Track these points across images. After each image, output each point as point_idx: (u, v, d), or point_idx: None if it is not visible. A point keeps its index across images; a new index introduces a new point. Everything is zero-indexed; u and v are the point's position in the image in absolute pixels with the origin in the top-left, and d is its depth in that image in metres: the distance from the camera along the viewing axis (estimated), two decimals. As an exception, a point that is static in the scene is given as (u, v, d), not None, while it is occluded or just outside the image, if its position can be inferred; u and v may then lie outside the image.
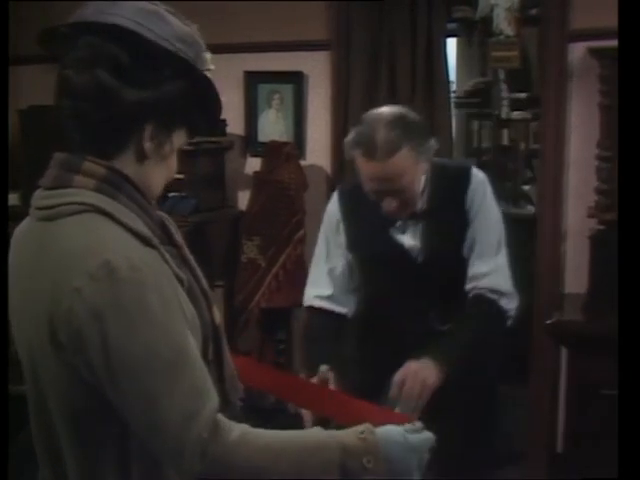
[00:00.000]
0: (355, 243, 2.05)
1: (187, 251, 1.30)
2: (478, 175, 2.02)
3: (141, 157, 1.20)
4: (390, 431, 1.21)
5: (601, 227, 2.83)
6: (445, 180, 2.00)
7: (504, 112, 4.71)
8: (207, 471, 1.09)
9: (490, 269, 1.96)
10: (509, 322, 1.98)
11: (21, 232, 1.24)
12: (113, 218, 1.14)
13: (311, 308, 2.08)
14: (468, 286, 1.97)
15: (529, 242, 3.27)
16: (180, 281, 1.19)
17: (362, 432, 1.18)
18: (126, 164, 1.20)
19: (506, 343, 2.10)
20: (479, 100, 5.14)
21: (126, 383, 1.08)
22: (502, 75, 4.74)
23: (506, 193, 4.56)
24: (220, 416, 1.11)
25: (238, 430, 1.12)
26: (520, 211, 4.47)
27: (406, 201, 1.91)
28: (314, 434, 1.21)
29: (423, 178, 1.95)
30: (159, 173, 1.24)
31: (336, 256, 2.06)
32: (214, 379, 1.20)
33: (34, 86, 3.35)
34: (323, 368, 1.84)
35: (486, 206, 1.99)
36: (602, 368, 2.47)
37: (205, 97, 1.25)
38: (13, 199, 3.47)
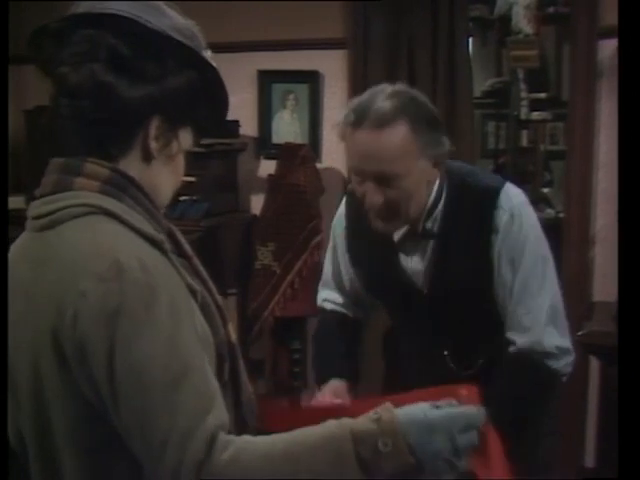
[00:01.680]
0: (357, 259, 1.81)
1: (198, 263, 1.19)
2: (511, 196, 1.63)
3: (147, 157, 1.10)
4: (412, 408, 1.02)
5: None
6: (467, 198, 1.65)
7: (523, 113, 4.59)
8: None
9: (532, 321, 1.61)
10: (562, 379, 1.66)
11: (17, 248, 1.12)
12: (121, 220, 1.04)
13: (323, 309, 1.93)
14: (508, 335, 1.64)
15: (552, 246, 3.15)
16: (193, 293, 1.08)
17: (376, 413, 1.01)
18: (131, 166, 1.10)
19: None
20: (496, 100, 5.03)
21: (127, 395, 0.98)
22: (521, 75, 4.62)
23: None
24: (221, 434, 0.98)
25: (234, 446, 0.97)
26: (540, 214, 4.36)
27: (396, 202, 1.57)
28: (321, 428, 1.02)
29: (434, 189, 1.64)
30: (166, 175, 1.14)
31: (343, 267, 1.86)
32: (230, 403, 1.11)
33: (41, 86, 3.26)
34: (334, 382, 1.69)
35: (523, 235, 1.60)
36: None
37: (212, 91, 1.15)
38: (19, 202, 3.37)
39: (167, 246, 1.07)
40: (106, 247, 1.00)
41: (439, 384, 1.29)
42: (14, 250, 1.12)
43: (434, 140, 1.58)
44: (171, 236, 1.16)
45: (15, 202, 3.32)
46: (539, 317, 1.60)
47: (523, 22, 4.38)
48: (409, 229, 1.69)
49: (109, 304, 0.97)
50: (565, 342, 1.63)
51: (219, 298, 1.18)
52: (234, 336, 1.17)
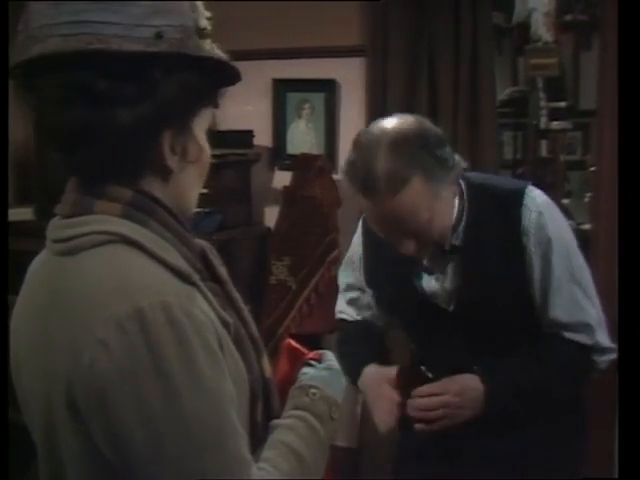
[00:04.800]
0: (373, 281, 1.77)
1: (232, 289, 1.08)
2: (535, 196, 1.61)
3: (166, 175, 1.00)
4: (315, 372, 1.16)
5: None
6: (490, 204, 1.61)
7: (543, 122, 4.50)
8: None
9: (570, 317, 1.61)
10: (595, 373, 1.69)
11: (35, 268, 1.03)
12: (144, 249, 0.94)
13: (340, 320, 1.89)
14: (551, 316, 1.63)
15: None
16: (226, 326, 0.98)
17: (313, 393, 1.11)
18: (151, 187, 0.99)
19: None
20: (513, 110, 4.94)
21: (168, 459, 0.88)
22: (540, 83, 4.53)
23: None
24: None
25: None
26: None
27: (429, 239, 1.56)
28: (290, 423, 1.07)
29: (456, 204, 1.60)
30: (192, 179, 1.04)
31: (358, 289, 1.83)
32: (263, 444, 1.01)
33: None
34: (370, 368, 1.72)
35: (553, 231, 1.59)
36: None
37: (215, 70, 1.01)
38: (27, 214, 3.31)
39: (196, 277, 0.97)
40: (126, 287, 0.90)
41: None
42: (34, 269, 1.04)
43: (446, 171, 1.50)
44: (204, 258, 1.06)
45: (23, 214, 3.27)
46: (580, 313, 1.62)
47: (542, 29, 4.31)
48: (431, 249, 1.63)
49: (133, 359, 0.87)
50: (607, 342, 1.65)
51: (254, 329, 1.08)
52: (269, 371, 1.08)
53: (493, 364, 1.60)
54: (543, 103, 4.55)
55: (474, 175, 1.68)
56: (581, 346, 1.63)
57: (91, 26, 0.90)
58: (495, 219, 1.60)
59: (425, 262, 1.65)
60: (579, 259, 1.65)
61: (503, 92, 4.95)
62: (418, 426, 1.58)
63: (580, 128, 4.90)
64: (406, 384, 1.64)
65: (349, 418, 3.06)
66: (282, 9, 3.26)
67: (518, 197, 1.59)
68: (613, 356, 1.64)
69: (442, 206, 1.54)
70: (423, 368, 1.74)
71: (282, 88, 3.37)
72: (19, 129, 3.25)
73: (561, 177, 4.71)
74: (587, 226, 3.69)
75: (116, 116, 0.92)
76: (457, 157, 1.55)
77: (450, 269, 1.64)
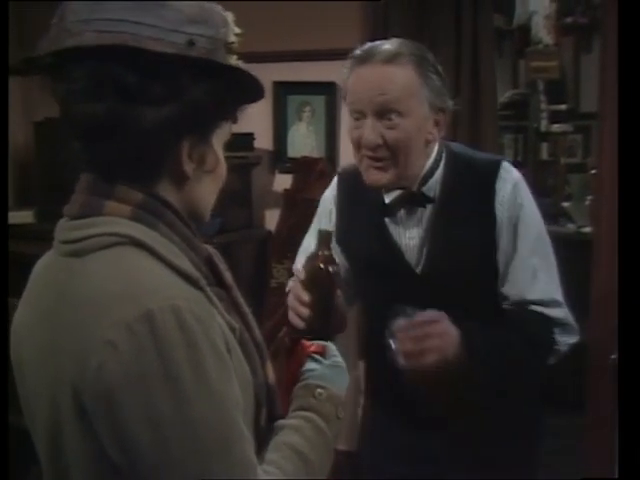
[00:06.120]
0: (344, 236, 1.73)
1: (238, 294, 1.10)
2: (511, 170, 1.65)
3: (182, 180, 1.00)
4: (320, 369, 1.17)
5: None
6: (467, 169, 1.65)
7: (543, 125, 4.50)
8: None
9: (528, 288, 1.61)
10: (557, 355, 1.66)
11: (40, 270, 1.03)
12: (153, 252, 0.94)
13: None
14: (504, 291, 1.64)
15: (573, 263, 3.04)
16: (232, 330, 0.99)
17: (319, 393, 1.12)
18: (166, 192, 1.00)
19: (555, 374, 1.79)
20: (513, 112, 4.94)
21: (175, 462, 0.88)
22: (540, 86, 4.53)
23: (545, 210, 4.35)
24: None
25: None
26: (560, 229, 4.26)
27: (393, 145, 1.54)
28: (297, 426, 1.08)
29: (434, 153, 1.63)
30: (207, 188, 1.05)
31: None
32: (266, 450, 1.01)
33: (50, 97, 3.18)
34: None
35: (525, 206, 1.62)
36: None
37: (240, 84, 1.03)
38: (27, 217, 3.30)
39: (203, 282, 0.97)
40: (135, 289, 0.90)
41: None
42: (39, 271, 1.04)
43: (439, 89, 1.58)
44: (210, 263, 1.06)
45: (24, 217, 3.26)
46: (544, 288, 1.61)
47: (543, 32, 4.31)
48: (402, 194, 1.64)
49: (143, 362, 0.87)
50: (570, 320, 1.65)
51: (258, 334, 1.09)
52: (272, 377, 1.08)
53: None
54: (544, 106, 4.56)
55: (454, 144, 1.75)
56: (541, 317, 1.62)
57: (127, 25, 0.92)
58: (470, 185, 1.64)
59: (399, 214, 1.66)
60: (546, 237, 1.67)
61: (504, 95, 4.96)
62: (402, 362, 1.47)
63: (581, 131, 4.90)
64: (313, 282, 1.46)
65: (349, 421, 3.05)
66: (282, 12, 3.25)
67: (494, 168, 1.64)
68: (576, 338, 1.66)
69: (421, 128, 1.57)
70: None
71: (283, 91, 3.35)
72: (19, 131, 3.26)
73: (562, 180, 4.70)
74: (588, 229, 3.70)
75: (141, 114, 0.94)
76: (448, 98, 1.61)
77: (422, 224, 1.65)
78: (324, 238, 1.43)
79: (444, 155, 1.67)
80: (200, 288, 0.96)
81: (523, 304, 1.63)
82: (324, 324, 1.40)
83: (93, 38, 0.92)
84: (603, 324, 2.88)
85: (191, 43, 0.95)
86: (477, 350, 1.50)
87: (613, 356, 2.55)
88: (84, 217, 0.98)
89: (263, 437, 1.04)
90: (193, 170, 1.01)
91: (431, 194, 1.64)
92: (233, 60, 1.01)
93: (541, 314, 1.63)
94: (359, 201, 1.70)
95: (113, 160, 0.97)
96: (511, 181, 1.63)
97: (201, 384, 0.89)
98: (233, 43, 1.02)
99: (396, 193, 1.66)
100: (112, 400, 0.88)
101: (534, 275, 1.63)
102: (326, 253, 1.40)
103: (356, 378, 3.26)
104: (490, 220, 1.62)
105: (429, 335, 1.46)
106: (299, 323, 1.49)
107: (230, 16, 1.04)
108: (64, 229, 1.00)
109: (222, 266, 1.10)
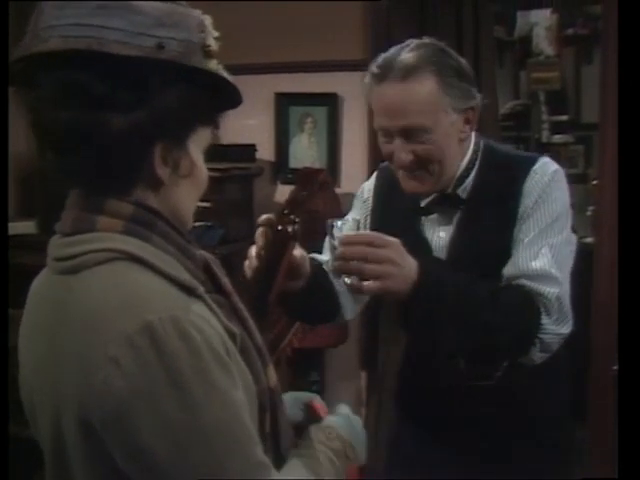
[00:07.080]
0: (378, 225, 1.71)
1: (237, 300, 1.08)
2: (547, 162, 1.57)
3: (157, 185, 0.98)
4: (333, 417, 1.21)
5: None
6: (501, 168, 1.58)
7: (545, 136, 4.50)
8: None
9: (531, 266, 1.49)
10: (541, 344, 1.50)
11: (38, 288, 1.03)
12: (148, 265, 0.93)
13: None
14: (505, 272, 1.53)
15: (574, 274, 3.03)
16: (232, 337, 0.98)
17: (329, 432, 1.15)
18: (144, 198, 0.98)
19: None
20: (514, 123, 4.95)
21: (190, 467, 0.89)
22: (541, 97, 4.54)
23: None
24: None
25: None
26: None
27: (426, 158, 1.51)
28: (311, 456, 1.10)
29: (469, 153, 1.58)
30: (185, 193, 1.02)
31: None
32: (271, 457, 1.01)
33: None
34: None
35: (549, 197, 1.52)
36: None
37: (217, 89, 1.01)
38: (29, 227, 3.30)
39: (201, 290, 0.97)
40: (133, 302, 0.90)
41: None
42: (35, 289, 1.04)
43: (463, 91, 1.53)
44: (207, 270, 1.05)
45: (26, 227, 3.26)
46: (543, 267, 1.49)
47: (544, 43, 4.32)
48: (438, 196, 1.61)
49: (149, 378, 0.87)
50: (564, 297, 1.51)
51: (259, 339, 1.08)
52: (274, 380, 1.07)
53: None
54: (545, 116, 4.56)
55: (494, 142, 1.68)
56: (526, 289, 1.50)
57: (93, 29, 0.91)
58: (501, 184, 1.57)
59: (433, 216, 1.62)
60: (564, 229, 1.54)
61: (505, 106, 4.96)
62: (346, 281, 1.44)
63: (582, 141, 4.90)
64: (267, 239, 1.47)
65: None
66: (284, 23, 3.27)
67: (530, 162, 1.57)
68: (568, 329, 1.53)
69: (452, 135, 1.52)
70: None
71: (284, 102, 3.36)
72: (20, 140, 3.25)
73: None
74: (589, 239, 3.68)
75: (110, 120, 0.92)
76: (476, 91, 1.55)
77: (453, 223, 1.61)
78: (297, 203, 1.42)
79: (480, 154, 1.61)
80: (198, 296, 0.96)
81: (512, 278, 1.53)
82: (267, 280, 1.39)
83: (58, 43, 0.90)
84: (604, 334, 2.88)
85: (160, 46, 0.93)
86: (436, 295, 1.41)
87: (615, 367, 2.54)
88: (77, 234, 0.97)
89: (268, 444, 1.04)
90: (169, 175, 0.99)
91: (465, 196, 1.60)
92: (213, 64, 0.99)
93: (528, 286, 1.49)
94: (395, 198, 1.66)
95: (86, 169, 0.96)
96: (542, 174, 1.55)
97: (207, 390, 0.89)
98: (210, 47, 0.98)
99: (432, 196, 1.63)
100: (121, 414, 0.87)
101: (535, 255, 1.51)
102: (291, 216, 1.41)
103: (358, 389, 3.25)
104: (514, 215, 1.56)
105: (367, 258, 1.38)
106: (248, 272, 1.45)
107: (208, 19, 1.01)
108: (57, 246, 0.99)
109: (220, 272, 1.09)
